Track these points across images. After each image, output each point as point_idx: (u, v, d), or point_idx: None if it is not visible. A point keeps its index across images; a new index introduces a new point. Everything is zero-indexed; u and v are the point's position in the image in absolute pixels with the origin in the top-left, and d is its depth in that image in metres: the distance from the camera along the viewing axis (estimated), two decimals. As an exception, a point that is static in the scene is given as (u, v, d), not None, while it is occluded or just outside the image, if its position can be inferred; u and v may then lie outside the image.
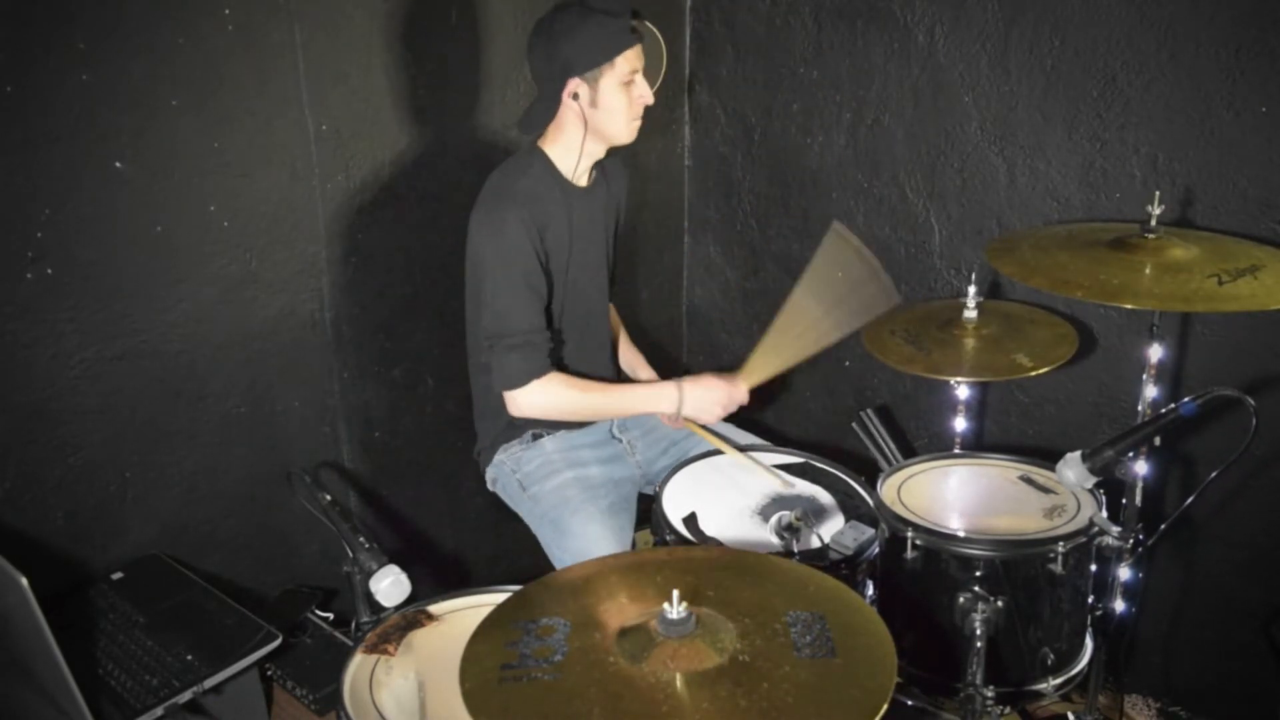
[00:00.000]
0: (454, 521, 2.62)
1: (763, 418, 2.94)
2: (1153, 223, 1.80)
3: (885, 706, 1.12)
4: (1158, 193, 1.81)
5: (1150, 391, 1.92)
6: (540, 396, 1.94)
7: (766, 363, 2.08)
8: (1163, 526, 1.80)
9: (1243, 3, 1.91)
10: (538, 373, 1.93)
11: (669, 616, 1.22)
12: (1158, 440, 1.78)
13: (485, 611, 1.35)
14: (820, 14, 2.53)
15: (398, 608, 1.62)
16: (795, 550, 1.74)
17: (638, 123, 1.98)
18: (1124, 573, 1.94)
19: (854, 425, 2.27)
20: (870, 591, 1.86)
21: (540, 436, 2.13)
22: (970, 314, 2.06)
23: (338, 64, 2.11)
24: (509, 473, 2.14)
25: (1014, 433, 2.47)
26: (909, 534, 1.74)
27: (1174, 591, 2.29)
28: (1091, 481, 1.67)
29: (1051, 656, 1.77)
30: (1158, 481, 2.14)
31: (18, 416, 1.83)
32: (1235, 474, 1.84)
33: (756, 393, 2.09)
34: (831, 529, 1.86)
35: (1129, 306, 1.72)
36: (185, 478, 2.08)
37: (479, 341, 1.98)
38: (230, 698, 1.82)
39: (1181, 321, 2.12)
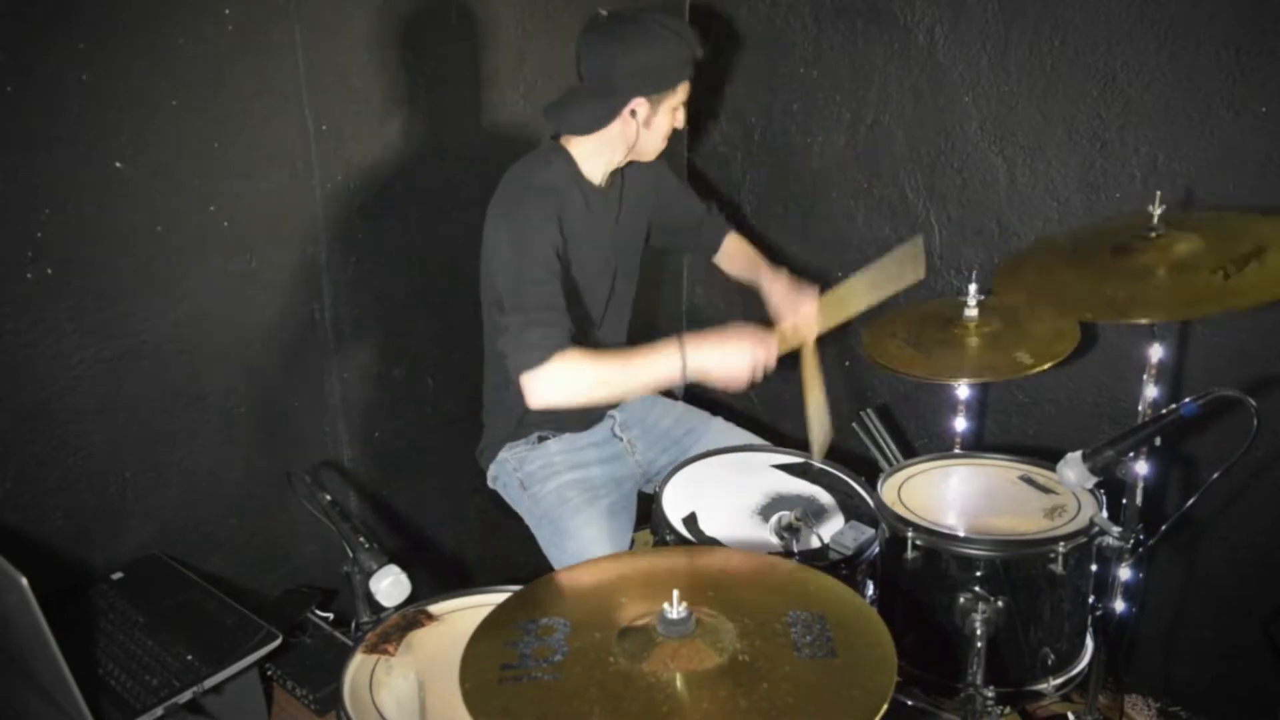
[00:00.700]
0: (454, 521, 2.62)
1: (763, 418, 2.94)
2: (1154, 222, 1.79)
3: (885, 707, 1.11)
4: (1159, 193, 1.81)
5: (1151, 392, 1.92)
6: (562, 373, 1.83)
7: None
8: (1164, 527, 1.79)
9: (1243, 3, 1.91)
10: (558, 347, 1.82)
11: (669, 616, 1.22)
12: (1158, 440, 1.78)
13: (485, 611, 1.36)
14: (820, 14, 2.53)
15: (398, 608, 1.62)
16: (795, 550, 1.74)
17: (665, 144, 2.03)
18: (1124, 573, 1.94)
19: (854, 425, 2.27)
20: (870, 591, 1.86)
21: (546, 439, 2.13)
22: (971, 312, 2.06)
23: (338, 64, 2.11)
24: (510, 471, 2.14)
25: (1014, 433, 2.47)
26: (909, 534, 1.74)
27: (1174, 591, 2.29)
28: (1092, 481, 1.67)
29: (1052, 656, 1.77)
30: (1158, 482, 2.14)
31: (18, 416, 1.83)
32: (1236, 474, 1.83)
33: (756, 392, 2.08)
34: (831, 529, 1.86)
35: (1141, 321, 1.72)
36: (185, 478, 2.07)
37: (495, 331, 1.95)
38: (230, 698, 1.82)
39: (1182, 321, 2.12)
